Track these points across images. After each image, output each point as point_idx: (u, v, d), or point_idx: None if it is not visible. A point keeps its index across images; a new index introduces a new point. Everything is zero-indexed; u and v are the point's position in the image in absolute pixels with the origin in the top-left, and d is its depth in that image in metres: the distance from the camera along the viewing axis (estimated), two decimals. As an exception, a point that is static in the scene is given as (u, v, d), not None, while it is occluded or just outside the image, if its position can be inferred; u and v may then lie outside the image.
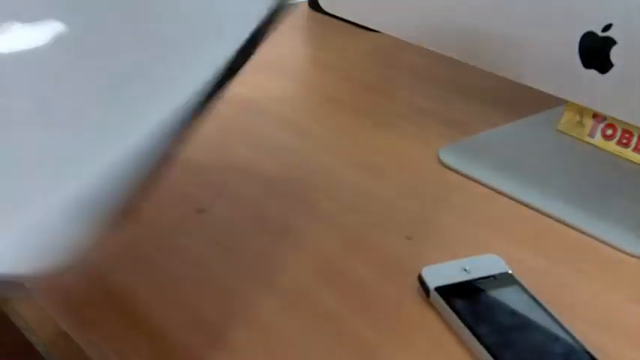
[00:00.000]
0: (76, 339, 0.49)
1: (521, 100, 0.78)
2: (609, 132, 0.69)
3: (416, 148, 0.70)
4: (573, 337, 0.47)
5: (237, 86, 0.81)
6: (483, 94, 0.80)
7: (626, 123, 0.66)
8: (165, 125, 0.37)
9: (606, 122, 0.69)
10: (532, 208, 0.62)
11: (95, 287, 0.52)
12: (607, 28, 0.57)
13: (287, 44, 0.93)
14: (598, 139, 0.69)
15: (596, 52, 0.58)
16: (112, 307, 0.50)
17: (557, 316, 0.49)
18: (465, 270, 0.52)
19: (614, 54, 0.57)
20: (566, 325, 0.48)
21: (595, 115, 0.69)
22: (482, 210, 0.61)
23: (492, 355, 0.46)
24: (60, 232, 0.34)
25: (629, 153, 0.67)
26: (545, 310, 0.49)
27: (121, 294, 0.51)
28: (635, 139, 0.67)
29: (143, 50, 0.41)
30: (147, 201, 0.59)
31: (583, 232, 0.59)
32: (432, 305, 0.51)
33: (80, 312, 0.50)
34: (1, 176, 0.37)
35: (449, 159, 0.68)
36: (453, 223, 0.59)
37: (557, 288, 0.53)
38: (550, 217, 0.61)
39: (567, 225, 0.60)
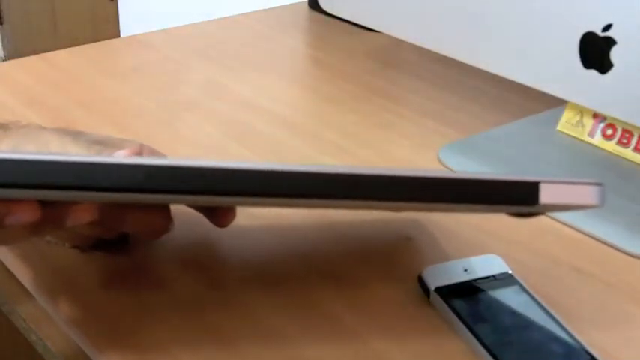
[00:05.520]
0: (76, 339, 0.49)
1: (521, 100, 0.78)
2: (609, 132, 0.69)
3: (416, 148, 0.70)
4: (573, 337, 0.47)
5: (238, 86, 0.81)
6: (483, 94, 0.80)
7: (626, 123, 0.66)
8: None
9: (606, 122, 0.69)
10: (532, 208, 0.62)
11: (95, 287, 0.52)
12: (607, 28, 0.57)
13: (287, 44, 0.93)
14: (598, 139, 0.69)
15: (596, 52, 0.58)
16: (112, 307, 0.50)
17: (557, 316, 0.49)
18: (465, 270, 0.52)
19: (614, 54, 0.57)
20: (566, 325, 0.48)
21: (595, 115, 0.69)
22: (482, 210, 0.61)
23: (492, 355, 0.46)
24: None
25: (629, 153, 0.67)
26: (545, 310, 0.49)
27: (120, 294, 0.51)
28: (635, 139, 0.67)
29: None
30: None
31: (583, 232, 0.59)
32: (432, 305, 0.51)
33: (80, 312, 0.50)
34: None
35: (449, 159, 0.68)
36: (453, 223, 0.59)
37: (557, 288, 0.53)
38: (550, 217, 0.60)
39: (567, 225, 0.60)
